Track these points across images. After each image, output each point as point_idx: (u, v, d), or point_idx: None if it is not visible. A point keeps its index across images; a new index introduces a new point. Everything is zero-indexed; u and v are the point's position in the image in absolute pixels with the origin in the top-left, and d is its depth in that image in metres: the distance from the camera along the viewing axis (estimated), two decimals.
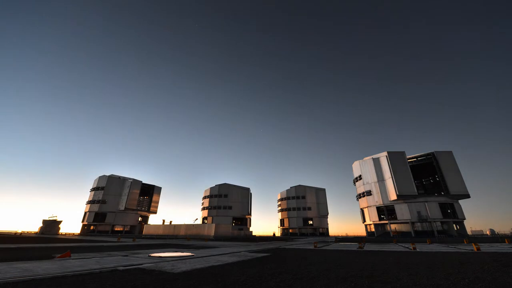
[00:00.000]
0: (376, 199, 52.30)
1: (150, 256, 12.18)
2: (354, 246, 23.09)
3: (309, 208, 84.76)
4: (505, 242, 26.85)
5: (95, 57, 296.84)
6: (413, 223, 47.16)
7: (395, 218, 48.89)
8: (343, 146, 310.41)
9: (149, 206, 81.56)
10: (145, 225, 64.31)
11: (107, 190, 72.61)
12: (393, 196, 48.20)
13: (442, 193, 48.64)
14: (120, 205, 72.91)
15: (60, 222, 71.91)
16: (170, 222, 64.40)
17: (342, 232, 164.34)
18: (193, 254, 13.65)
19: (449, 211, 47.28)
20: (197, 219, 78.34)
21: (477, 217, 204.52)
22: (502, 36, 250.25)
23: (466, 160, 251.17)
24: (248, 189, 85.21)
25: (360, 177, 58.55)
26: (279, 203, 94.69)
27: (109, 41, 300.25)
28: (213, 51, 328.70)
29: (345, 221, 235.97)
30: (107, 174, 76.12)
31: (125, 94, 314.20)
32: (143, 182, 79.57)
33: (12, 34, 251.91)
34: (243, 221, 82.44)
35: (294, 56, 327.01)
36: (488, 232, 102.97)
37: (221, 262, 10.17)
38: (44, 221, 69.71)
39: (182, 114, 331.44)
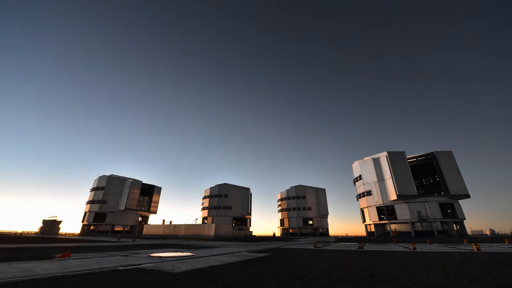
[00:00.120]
0: (376, 199, 52.30)
1: (150, 256, 12.18)
2: (354, 246, 23.09)
3: (309, 208, 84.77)
4: (505, 242, 26.85)
5: (95, 57, 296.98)
6: (413, 223, 47.16)
7: (395, 218, 48.89)
8: (343, 146, 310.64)
9: (149, 206, 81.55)
10: (145, 225, 64.31)
11: (107, 190, 72.61)
12: (393, 196, 48.20)
13: (442, 193, 48.64)
14: (120, 205, 72.91)
15: (60, 222, 71.90)
16: (170, 222, 64.42)
17: (342, 232, 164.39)
18: (193, 254, 13.65)
19: (449, 211, 47.28)
20: (197, 219, 78.39)
21: (477, 217, 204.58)
22: (502, 34, 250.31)
23: (466, 160, 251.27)
24: (248, 189, 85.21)
25: (360, 177, 58.56)
26: (279, 203, 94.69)
27: (109, 40, 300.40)
28: (213, 51, 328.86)
29: (345, 221, 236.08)
30: (107, 174, 76.15)
31: (125, 94, 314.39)
32: (143, 182, 79.60)
33: (12, 33, 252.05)
34: (243, 221, 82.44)
35: (294, 56, 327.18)
36: (488, 232, 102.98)
37: (221, 262, 10.16)
38: (44, 221, 69.70)
39: (182, 114, 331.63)
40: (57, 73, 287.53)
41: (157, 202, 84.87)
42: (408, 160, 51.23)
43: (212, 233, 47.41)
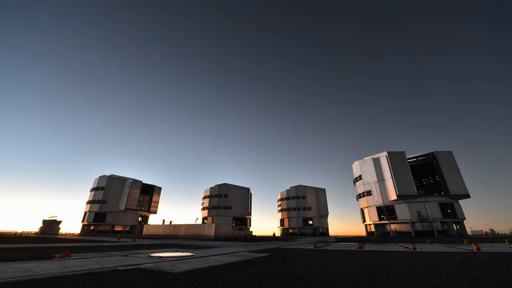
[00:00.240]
0: (376, 199, 52.30)
1: (150, 256, 12.18)
2: (354, 246, 23.09)
3: (309, 208, 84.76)
4: (505, 242, 26.84)
5: (95, 57, 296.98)
6: (413, 223, 47.16)
7: (395, 218, 48.89)
8: (343, 146, 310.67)
9: (149, 206, 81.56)
10: (145, 225, 64.30)
11: (107, 190, 72.61)
12: (393, 196, 48.20)
13: (442, 193, 48.64)
14: (120, 205, 72.91)
15: (60, 222, 71.88)
16: (170, 222, 64.39)
17: (342, 232, 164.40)
18: (193, 254, 13.65)
19: (449, 211, 47.28)
20: (197, 219, 78.44)
21: (477, 217, 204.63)
22: (502, 34, 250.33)
23: (466, 160, 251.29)
24: (248, 189, 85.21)
25: (360, 177, 58.56)
26: (279, 203, 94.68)
27: (109, 40, 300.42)
28: (213, 51, 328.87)
29: (345, 221, 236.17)
30: (107, 174, 76.14)
31: (125, 94, 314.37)
32: (143, 182, 79.61)
33: (11, 33, 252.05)
34: (243, 221, 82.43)
35: (294, 56, 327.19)
36: (488, 232, 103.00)
37: (221, 262, 10.16)
38: (44, 221, 69.68)
39: (182, 114, 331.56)
40: (57, 73, 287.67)
41: (157, 202, 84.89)
42: (408, 160, 51.23)
43: (212, 233, 47.40)
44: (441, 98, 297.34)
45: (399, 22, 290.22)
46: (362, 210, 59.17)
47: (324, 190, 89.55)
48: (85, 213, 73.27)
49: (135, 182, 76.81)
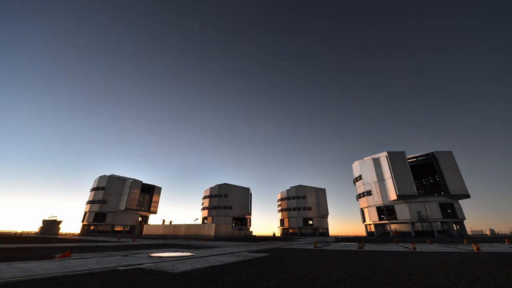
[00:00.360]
0: (376, 199, 52.28)
1: (150, 256, 12.18)
2: (354, 246, 23.08)
3: (309, 208, 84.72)
4: (505, 242, 26.83)
5: (95, 57, 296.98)
6: (413, 223, 47.15)
7: (395, 218, 48.88)
8: (343, 146, 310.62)
9: (149, 206, 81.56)
10: (145, 225, 64.28)
11: (107, 190, 72.60)
12: (393, 196, 48.19)
13: (442, 193, 48.63)
14: (120, 205, 72.90)
15: (60, 222, 71.85)
16: (170, 222, 64.38)
17: (342, 232, 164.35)
18: (193, 254, 13.65)
19: (449, 211, 47.27)
20: (197, 219, 78.39)
21: (477, 217, 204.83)
22: (502, 34, 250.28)
23: (466, 160, 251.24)
24: (248, 189, 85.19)
25: (360, 177, 58.54)
26: (279, 203, 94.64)
27: (109, 40, 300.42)
28: (213, 51, 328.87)
29: (345, 221, 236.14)
30: (107, 174, 76.15)
31: (125, 94, 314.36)
32: (143, 182, 79.60)
33: (11, 33, 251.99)
34: (243, 221, 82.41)
35: (294, 56, 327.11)
36: (488, 232, 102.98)
37: (221, 262, 10.16)
38: (44, 221, 69.66)
39: (182, 114, 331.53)
40: (56, 73, 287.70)
41: (157, 202, 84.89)
42: (408, 160, 51.22)
43: (212, 233, 47.39)
44: (441, 98, 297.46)
45: (400, 22, 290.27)
46: (362, 210, 59.16)
47: (324, 190, 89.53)
48: (85, 213, 73.24)
49: (135, 182, 76.80)
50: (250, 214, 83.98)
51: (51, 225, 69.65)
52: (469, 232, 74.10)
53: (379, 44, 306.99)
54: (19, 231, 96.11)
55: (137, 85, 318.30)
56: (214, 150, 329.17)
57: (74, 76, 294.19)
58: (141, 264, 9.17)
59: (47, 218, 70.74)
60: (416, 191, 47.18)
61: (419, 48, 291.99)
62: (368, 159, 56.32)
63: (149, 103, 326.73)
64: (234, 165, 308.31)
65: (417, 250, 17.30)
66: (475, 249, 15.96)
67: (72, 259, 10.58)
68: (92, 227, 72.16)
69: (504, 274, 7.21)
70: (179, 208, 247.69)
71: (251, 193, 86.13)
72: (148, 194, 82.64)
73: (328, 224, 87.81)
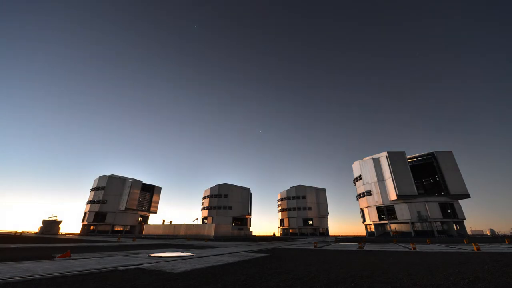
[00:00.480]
0: (376, 199, 52.28)
1: (150, 256, 12.18)
2: (354, 246, 23.08)
3: (309, 208, 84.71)
4: (505, 242, 26.82)
5: (95, 57, 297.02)
6: (413, 223, 47.15)
7: (395, 218, 48.88)
8: (343, 146, 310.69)
9: (149, 206, 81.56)
10: (145, 225, 64.27)
11: (107, 190, 72.60)
12: (393, 196, 48.18)
13: (442, 193, 48.62)
14: (120, 205, 72.90)
15: (60, 222, 71.85)
16: (170, 222, 64.37)
17: (342, 232, 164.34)
18: (193, 254, 13.64)
19: (449, 211, 47.27)
20: (197, 219, 78.34)
21: (477, 217, 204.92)
22: (502, 34, 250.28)
23: (466, 160, 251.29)
24: (248, 189, 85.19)
25: (360, 177, 58.54)
26: (279, 203, 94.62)
27: (110, 40, 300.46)
28: (213, 51, 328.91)
29: (345, 221, 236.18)
30: (107, 174, 76.14)
31: (125, 94, 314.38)
32: (143, 182, 79.59)
33: (11, 33, 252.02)
34: (243, 221, 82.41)
35: (294, 56, 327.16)
36: (488, 232, 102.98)
37: (221, 262, 10.16)
38: (44, 221, 69.65)
39: (182, 114, 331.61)
40: (56, 73, 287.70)
41: (157, 202, 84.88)
42: (408, 160, 51.22)
43: (212, 233, 47.38)
44: (441, 98, 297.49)
45: (399, 22, 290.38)
46: (362, 210, 59.15)
47: (324, 190, 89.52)
48: (85, 213, 73.24)
49: (135, 182, 76.79)
50: (250, 214, 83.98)
51: (51, 225, 69.65)
52: (469, 232, 74.11)
53: (379, 44, 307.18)
54: (19, 231, 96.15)
55: (137, 85, 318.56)
56: (214, 150, 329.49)
57: (74, 76, 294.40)
58: (141, 264, 9.16)
59: (47, 218, 70.75)
60: (416, 191, 47.17)
61: (419, 48, 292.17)
62: (368, 159, 56.31)
63: (149, 103, 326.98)
64: (234, 165, 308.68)
65: (417, 250, 17.30)
66: (475, 249, 15.95)
67: (72, 259, 10.58)
68: (92, 227, 72.15)
69: (504, 274, 7.20)
70: (179, 208, 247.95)
71: (251, 193, 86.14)
72: (148, 194, 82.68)
73: (328, 224, 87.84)
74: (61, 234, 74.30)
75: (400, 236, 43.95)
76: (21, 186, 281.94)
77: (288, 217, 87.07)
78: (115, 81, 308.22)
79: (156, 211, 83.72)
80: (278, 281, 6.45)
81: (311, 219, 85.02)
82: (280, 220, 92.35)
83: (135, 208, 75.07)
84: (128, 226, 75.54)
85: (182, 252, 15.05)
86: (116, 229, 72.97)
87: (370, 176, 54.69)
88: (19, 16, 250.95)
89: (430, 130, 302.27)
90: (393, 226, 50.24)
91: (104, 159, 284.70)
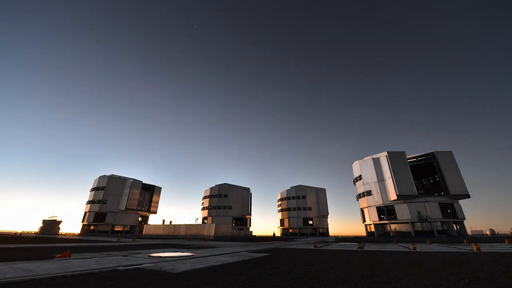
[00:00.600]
0: (376, 199, 52.28)
1: (150, 256, 12.18)
2: (354, 246, 23.08)
3: (309, 208, 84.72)
4: (505, 242, 26.82)
5: (95, 57, 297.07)
6: (413, 223, 47.15)
7: (395, 218, 48.88)
8: (343, 146, 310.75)
9: (149, 206, 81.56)
10: (145, 225, 64.27)
11: (108, 190, 72.60)
12: (393, 196, 48.18)
13: (442, 193, 48.62)
14: (120, 205, 72.90)
15: (60, 222, 71.85)
16: (170, 222, 64.38)
17: (342, 232, 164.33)
18: (193, 254, 13.64)
19: (449, 211, 47.27)
20: (197, 219, 78.38)
21: (477, 217, 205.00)
22: (502, 34, 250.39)
23: (466, 160, 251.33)
24: (248, 189, 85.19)
25: (360, 177, 58.54)
26: (279, 203, 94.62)
27: (110, 40, 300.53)
28: (212, 51, 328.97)
29: (345, 221, 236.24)
30: (107, 174, 76.14)
31: (125, 94, 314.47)
32: (143, 182, 79.60)
33: (11, 34, 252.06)
34: (243, 221, 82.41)
35: (294, 56, 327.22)
36: (488, 232, 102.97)
37: (221, 262, 10.16)
38: (44, 221, 69.65)
39: (182, 114, 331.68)
40: (57, 73, 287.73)
41: (157, 202, 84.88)
42: (408, 160, 51.21)
43: (212, 233, 47.38)
44: (441, 98, 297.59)
45: (399, 22, 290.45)
46: (362, 210, 59.15)
47: (324, 190, 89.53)
48: (85, 213, 73.24)
49: (135, 182, 76.79)
50: (250, 214, 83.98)
51: (51, 225, 69.65)
52: (469, 232, 74.08)
53: (379, 44, 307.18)
54: (19, 231, 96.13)
55: (137, 85, 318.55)
56: (214, 150, 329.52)
57: (74, 76, 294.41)
58: (141, 264, 9.16)
59: (47, 218, 70.75)
60: (416, 191, 47.18)
61: (419, 48, 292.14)
62: (368, 159, 56.31)
63: (149, 103, 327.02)
64: (234, 165, 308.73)
65: (417, 250, 17.30)
66: (475, 249, 15.95)
67: (72, 259, 10.58)
68: (92, 227, 72.14)
69: (504, 274, 7.20)
70: (179, 208, 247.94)
71: (251, 193, 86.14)
72: (148, 194, 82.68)
73: (328, 224, 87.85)
74: (61, 234, 74.28)
75: (400, 236, 43.95)
76: (21, 186, 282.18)
77: (288, 217, 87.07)
78: (115, 81, 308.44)
79: (156, 211, 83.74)
80: (278, 281, 6.45)
81: (311, 219, 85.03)
82: (280, 220, 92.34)
83: (135, 208, 75.07)
84: (128, 226, 75.53)
85: (182, 252, 15.05)
86: (116, 229, 72.97)
87: (370, 176, 54.70)
88: (19, 16, 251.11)
89: (430, 130, 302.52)
90: (393, 226, 50.24)
91: (104, 159, 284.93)
